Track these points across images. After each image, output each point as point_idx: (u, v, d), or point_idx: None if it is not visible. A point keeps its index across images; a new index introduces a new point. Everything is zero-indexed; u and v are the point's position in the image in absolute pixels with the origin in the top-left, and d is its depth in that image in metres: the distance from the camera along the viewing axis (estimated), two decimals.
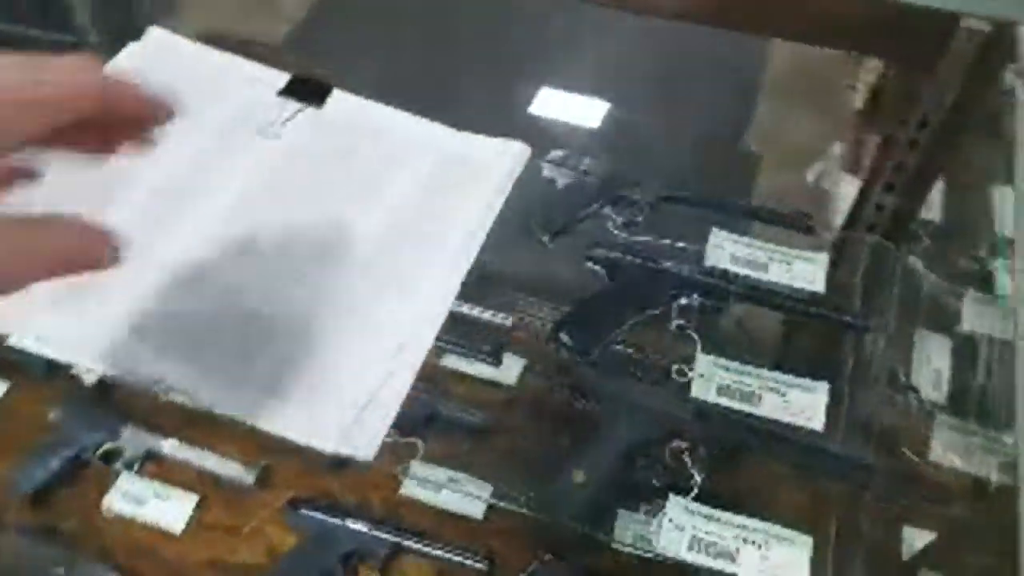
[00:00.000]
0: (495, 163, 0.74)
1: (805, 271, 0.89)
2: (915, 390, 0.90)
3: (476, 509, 1.08)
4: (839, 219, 0.96)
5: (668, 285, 0.86)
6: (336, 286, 0.57)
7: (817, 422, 0.81)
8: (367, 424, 0.52)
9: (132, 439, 1.04)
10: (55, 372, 1.10)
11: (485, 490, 1.06)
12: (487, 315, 1.06)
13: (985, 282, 0.95)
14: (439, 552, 1.01)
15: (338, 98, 0.75)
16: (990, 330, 0.92)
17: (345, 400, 0.52)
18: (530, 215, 0.90)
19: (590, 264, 0.87)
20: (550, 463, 0.77)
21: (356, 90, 0.76)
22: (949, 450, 0.87)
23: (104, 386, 1.11)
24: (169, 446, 1.05)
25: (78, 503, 1.04)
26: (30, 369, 1.07)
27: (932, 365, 0.93)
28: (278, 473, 1.08)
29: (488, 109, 1.04)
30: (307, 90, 0.74)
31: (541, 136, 0.99)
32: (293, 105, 0.72)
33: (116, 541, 1.02)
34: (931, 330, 0.95)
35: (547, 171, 0.93)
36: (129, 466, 1.03)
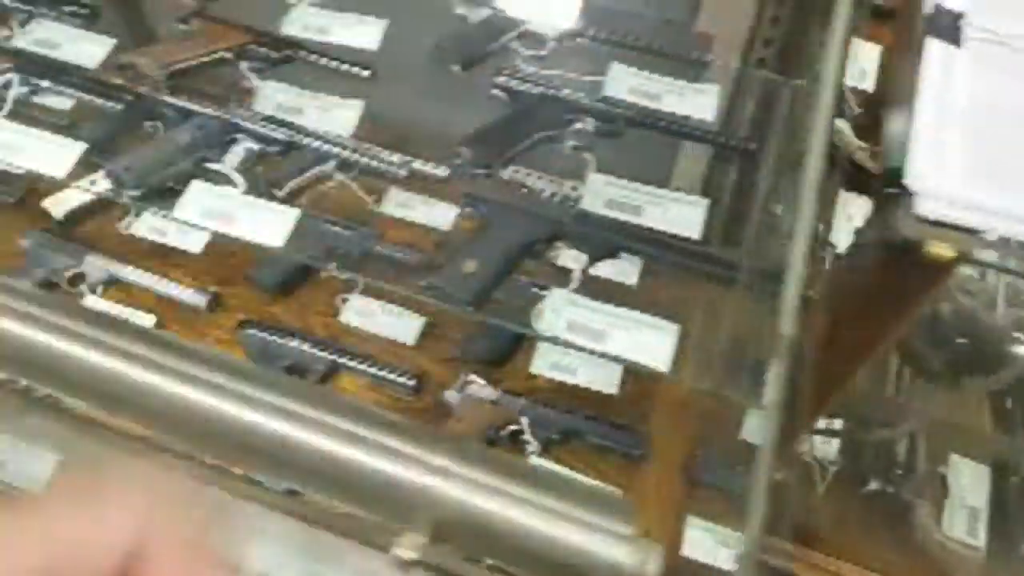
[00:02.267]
0: None
1: (697, 102, 0.96)
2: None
3: (409, 335, 1.19)
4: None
5: (564, 110, 0.93)
6: None
7: (695, 232, 0.90)
8: None
9: (94, 266, 1.14)
10: (25, 202, 1.21)
11: (417, 320, 1.17)
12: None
13: None
14: (371, 370, 1.12)
15: None
16: None
17: None
18: (442, 48, 0.96)
19: (495, 91, 0.95)
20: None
21: None
22: None
23: (71, 217, 1.21)
24: (128, 272, 1.15)
25: None
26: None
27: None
28: (228, 299, 1.18)
29: None
30: None
31: None
32: None
33: None
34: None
35: (460, 8, 1.00)
36: (93, 290, 1.13)
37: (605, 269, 0.90)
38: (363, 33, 0.99)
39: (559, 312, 0.84)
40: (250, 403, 0.50)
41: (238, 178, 0.91)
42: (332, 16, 1.00)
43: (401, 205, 1.22)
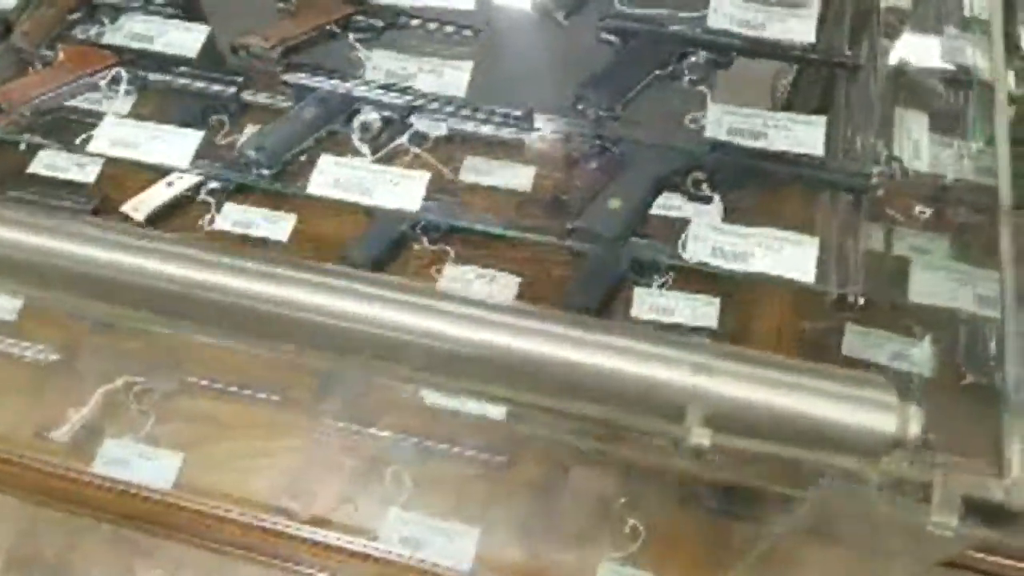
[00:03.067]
0: None
1: (797, 25, 0.98)
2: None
3: (507, 295, 1.21)
4: None
5: (676, 45, 0.95)
6: None
7: (818, 149, 0.92)
8: None
9: None
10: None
11: (513, 280, 1.20)
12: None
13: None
14: None
15: None
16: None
17: None
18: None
19: (604, 35, 0.96)
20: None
21: None
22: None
23: (152, 220, 1.23)
24: None
25: None
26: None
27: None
28: None
29: None
30: None
31: None
32: None
33: None
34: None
35: None
36: None
37: None
38: None
39: (703, 239, 0.87)
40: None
41: (365, 148, 0.92)
42: None
43: (477, 171, 1.23)
